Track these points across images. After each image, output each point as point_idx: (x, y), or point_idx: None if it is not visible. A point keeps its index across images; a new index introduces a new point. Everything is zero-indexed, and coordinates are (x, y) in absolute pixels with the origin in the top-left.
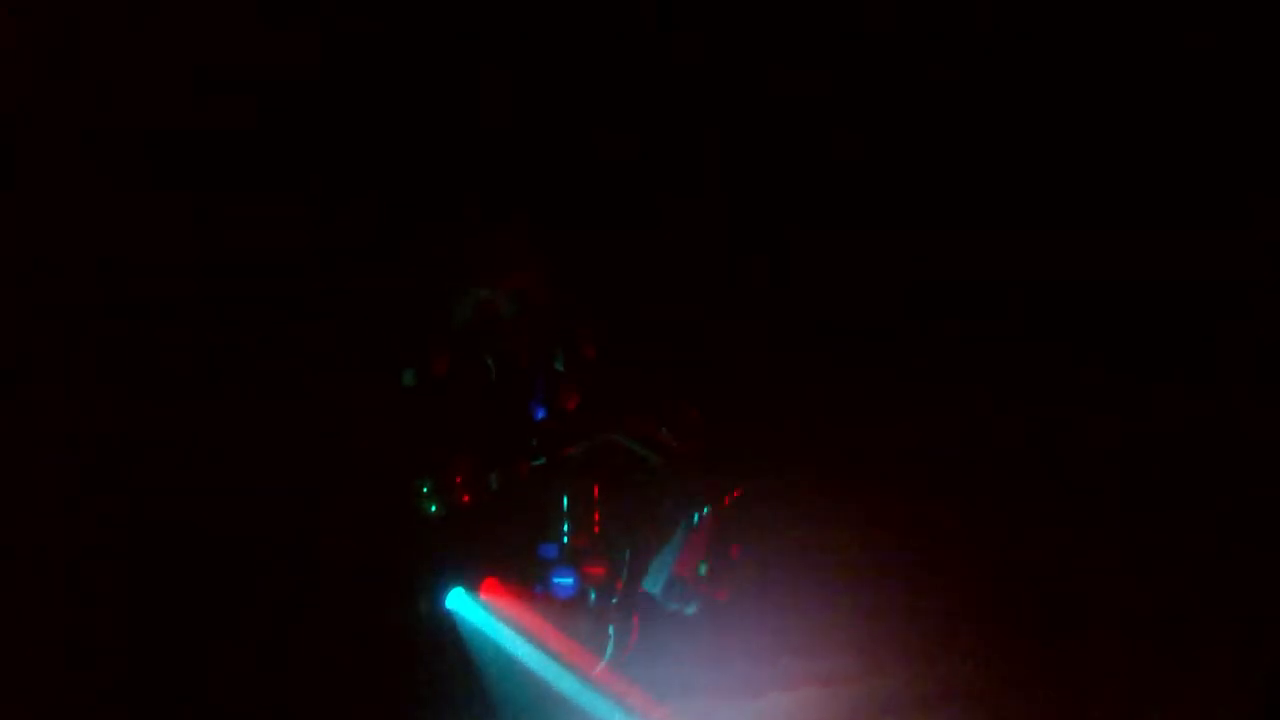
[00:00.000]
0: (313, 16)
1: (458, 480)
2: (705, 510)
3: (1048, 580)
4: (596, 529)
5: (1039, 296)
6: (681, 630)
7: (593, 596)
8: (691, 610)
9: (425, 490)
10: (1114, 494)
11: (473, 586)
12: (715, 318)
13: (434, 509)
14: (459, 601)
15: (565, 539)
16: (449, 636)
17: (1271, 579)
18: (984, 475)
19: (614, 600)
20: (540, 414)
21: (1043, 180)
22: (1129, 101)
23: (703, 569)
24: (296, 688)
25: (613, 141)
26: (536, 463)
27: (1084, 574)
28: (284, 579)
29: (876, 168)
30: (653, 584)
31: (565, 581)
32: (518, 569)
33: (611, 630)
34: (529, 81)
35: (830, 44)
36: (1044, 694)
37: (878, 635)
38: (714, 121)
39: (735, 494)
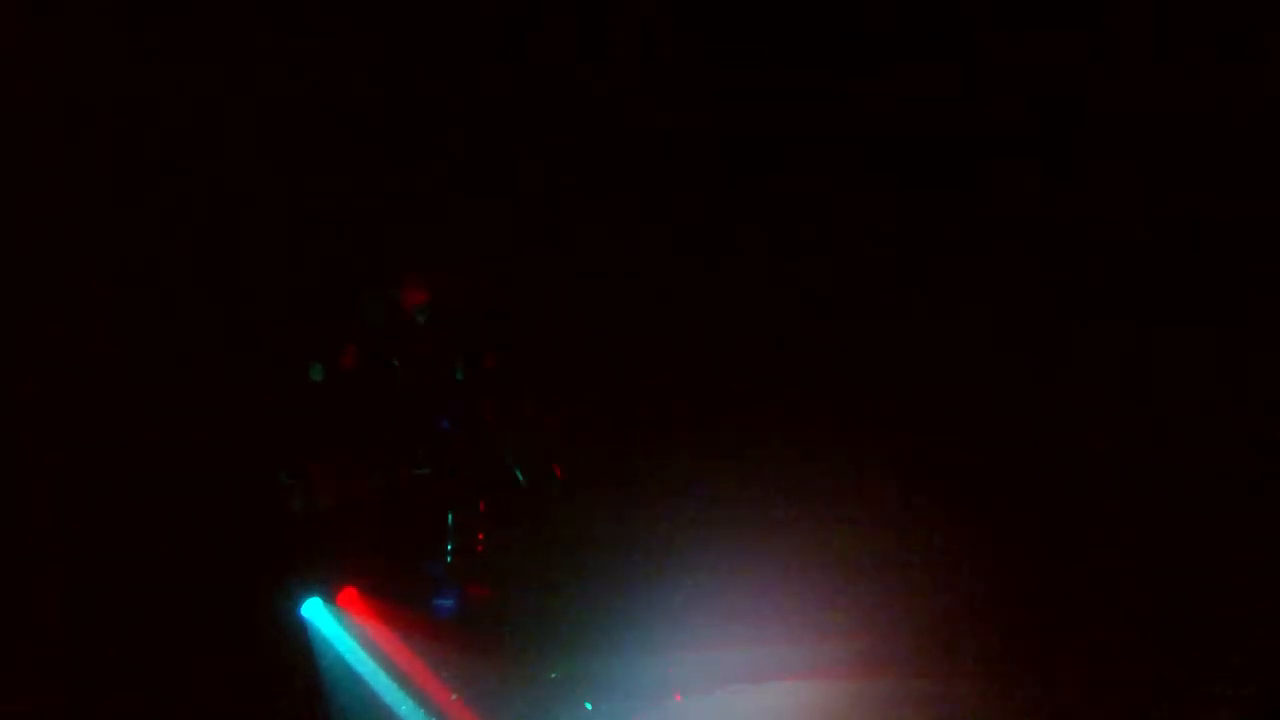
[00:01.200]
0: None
1: (320, 474)
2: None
3: (1048, 581)
4: (480, 549)
5: (1039, 298)
6: (679, 628)
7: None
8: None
9: (285, 481)
10: (1113, 494)
11: (331, 595)
12: (710, 316)
13: (297, 502)
14: (313, 610)
15: (449, 558)
16: (297, 643)
17: (1271, 579)
18: (984, 476)
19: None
20: (444, 424)
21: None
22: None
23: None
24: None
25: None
26: (419, 471)
27: (1084, 574)
28: (138, 567)
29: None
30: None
31: (447, 603)
32: (392, 582)
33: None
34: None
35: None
36: (1043, 693)
37: (877, 634)
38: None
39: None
